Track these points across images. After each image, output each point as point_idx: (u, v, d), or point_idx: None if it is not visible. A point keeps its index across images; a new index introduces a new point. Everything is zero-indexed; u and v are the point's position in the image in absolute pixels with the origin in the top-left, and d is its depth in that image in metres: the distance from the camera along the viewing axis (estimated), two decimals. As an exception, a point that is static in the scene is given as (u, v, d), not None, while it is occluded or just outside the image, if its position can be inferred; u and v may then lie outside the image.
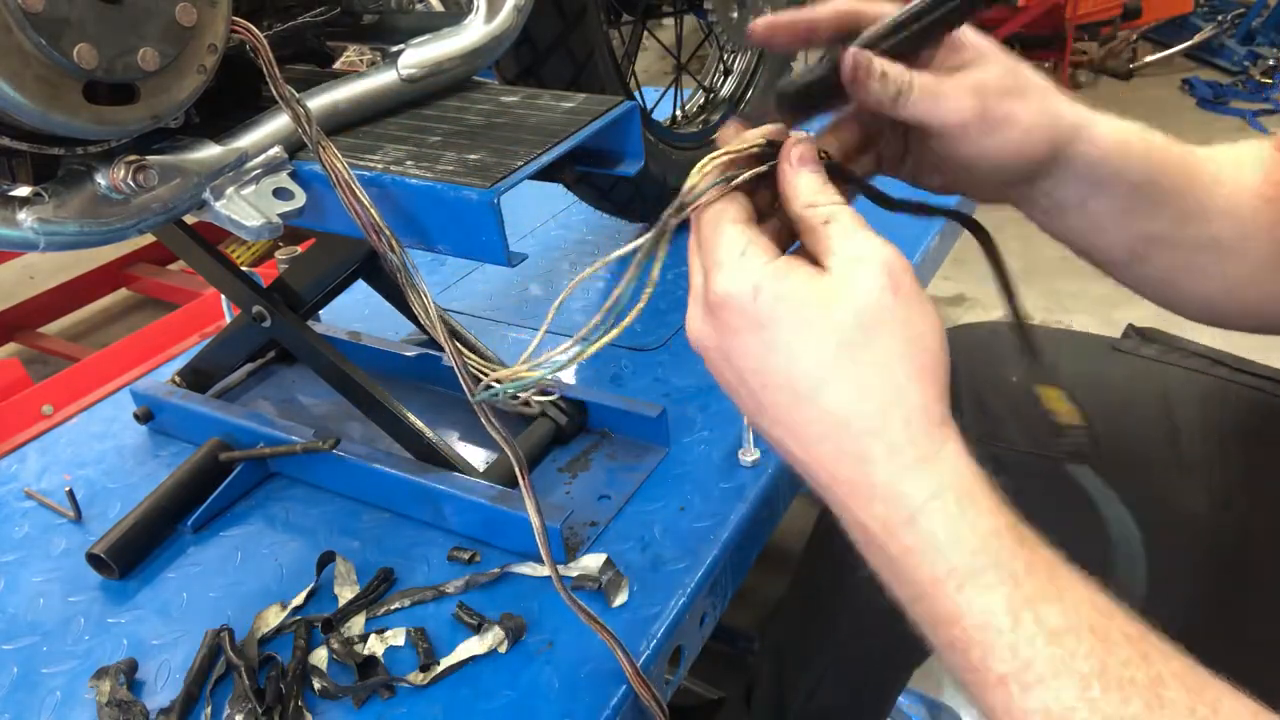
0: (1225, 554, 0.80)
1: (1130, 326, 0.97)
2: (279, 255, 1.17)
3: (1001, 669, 0.44)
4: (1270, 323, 0.69)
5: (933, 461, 0.47)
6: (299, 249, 1.15)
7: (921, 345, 0.48)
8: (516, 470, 0.68)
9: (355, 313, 1.33)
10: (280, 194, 0.75)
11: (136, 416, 1.12)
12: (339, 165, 0.70)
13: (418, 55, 0.85)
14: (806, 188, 0.53)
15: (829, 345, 0.48)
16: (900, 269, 0.49)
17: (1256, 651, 0.66)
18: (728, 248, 0.51)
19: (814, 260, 0.51)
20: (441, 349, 0.66)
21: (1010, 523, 0.47)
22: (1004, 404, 0.92)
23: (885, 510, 0.47)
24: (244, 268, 1.02)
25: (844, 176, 0.58)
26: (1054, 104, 0.61)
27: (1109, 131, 0.63)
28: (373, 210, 0.70)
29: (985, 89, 0.58)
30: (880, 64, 0.55)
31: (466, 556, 0.89)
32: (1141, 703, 0.42)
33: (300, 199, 0.76)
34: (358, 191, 0.70)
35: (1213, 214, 0.65)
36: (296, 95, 0.70)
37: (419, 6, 0.97)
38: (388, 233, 0.71)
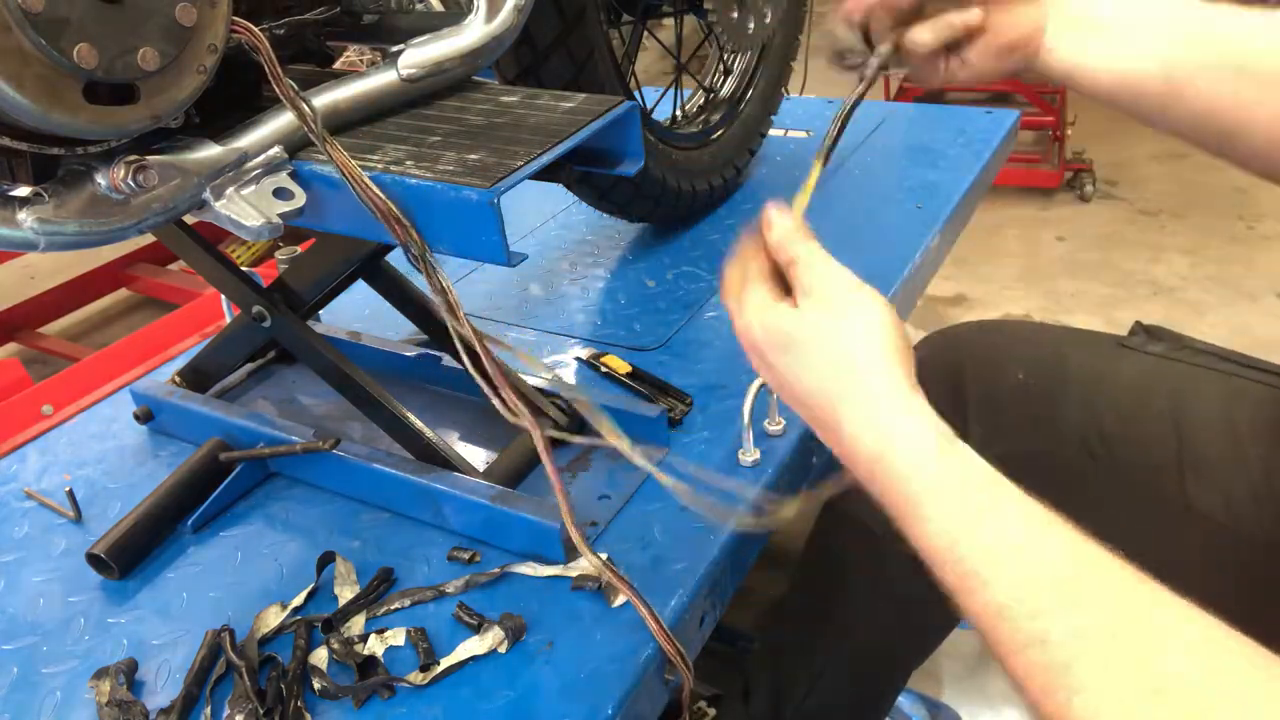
0: (1242, 554, 0.79)
1: (1138, 323, 0.97)
2: (279, 255, 1.16)
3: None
4: None
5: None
6: (299, 249, 1.15)
7: (867, 343, 0.61)
8: (537, 442, 0.69)
9: (355, 313, 1.33)
10: (280, 194, 0.75)
11: (136, 416, 1.12)
12: (347, 161, 0.70)
13: (418, 55, 0.85)
14: (777, 233, 0.66)
15: (808, 356, 0.63)
16: (845, 290, 0.63)
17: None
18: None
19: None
20: (443, 346, 0.66)
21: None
22: (1006, 403, 0.92)
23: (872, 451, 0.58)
24: (244, 268, 1.02)
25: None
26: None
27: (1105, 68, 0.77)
28: (390, 203, 0.70)
29: (999, 36, 0.78)
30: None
31: (466, 556, 0.89)
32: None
33: (300, 199, 0.76)
34: (369, 185, 0.70)
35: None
36: (301, 93, 0.70)
37: (419, 6, 0.97)
38: (406, 223, 0.71)
